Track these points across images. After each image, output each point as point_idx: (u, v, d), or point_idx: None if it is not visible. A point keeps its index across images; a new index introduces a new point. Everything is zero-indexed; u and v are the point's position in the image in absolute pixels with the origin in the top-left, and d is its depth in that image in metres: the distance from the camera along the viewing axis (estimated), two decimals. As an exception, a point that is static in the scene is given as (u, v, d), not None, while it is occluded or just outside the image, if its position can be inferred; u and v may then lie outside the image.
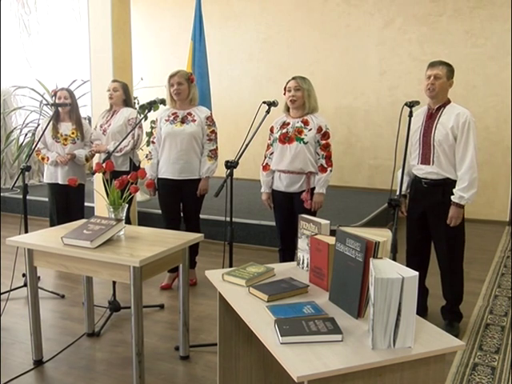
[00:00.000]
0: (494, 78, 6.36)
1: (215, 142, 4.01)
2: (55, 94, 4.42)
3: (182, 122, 3.92)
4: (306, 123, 3.55)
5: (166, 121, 3.95)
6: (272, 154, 3.69)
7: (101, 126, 4.47)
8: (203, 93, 5.65)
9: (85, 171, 4.60)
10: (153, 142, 4.09)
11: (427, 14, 6.63)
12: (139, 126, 4.26)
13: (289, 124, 3.59)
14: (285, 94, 3.58)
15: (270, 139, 3.71)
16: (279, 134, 3.60)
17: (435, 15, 6.60)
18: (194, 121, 3.92)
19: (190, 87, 3.93)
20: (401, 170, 3.13)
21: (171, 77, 3.88)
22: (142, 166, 4.48)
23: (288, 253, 3.76)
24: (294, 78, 3.56)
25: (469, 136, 3.14)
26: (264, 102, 3.30)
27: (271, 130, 3.70)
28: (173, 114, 3.96)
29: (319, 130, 3.54)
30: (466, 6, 6.43)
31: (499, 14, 6.25)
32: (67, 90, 4.47)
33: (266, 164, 3.73)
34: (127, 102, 4.47)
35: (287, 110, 3.64)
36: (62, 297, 3.99)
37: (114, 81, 4.53)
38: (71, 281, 4.31)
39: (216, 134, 4.02)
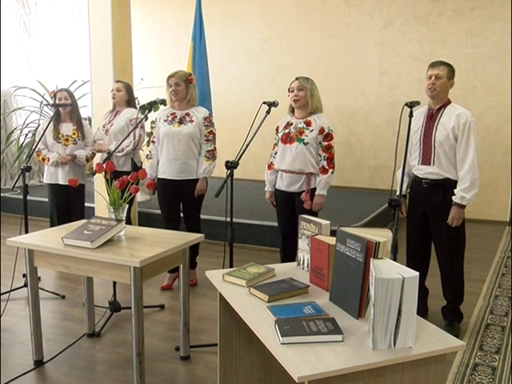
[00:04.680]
0: (494, 79, 6.36)
1: (213, 143, 4.01)
2: (55, 95, 4.42)
3: (180, 122, 3.92)
4: (308, 124, 3.56)
5: (165, 121, 3.96)
6: (277, 153, 3.71)
7: (103, 126, 4.48)
8: (203, 93, 5.65)
9: (85, 172, 4.60)
10: (153, 142, 4.10)
11: (427, 15, 6.64)
12: (141, 126, 4.26)
13: (292, 124, 3.61)
14: (289, 95, 3.60)
15: (275, 139, 3.74)
16: (282, 133, 3.63)
17: (435, 15, 6.60)
18: (191, 121, 3.93)
19: (188, 88, 3.94)
20: (400, 170, 3.13)
21: (169, 78, 3.90)
22: (143, 166, 4.49)
23: (288, 253, 3.76)
24: (297, 79, 3.59)
25: (470, 137, 3.15)
26: (264, 103, 3.30)
27: (277, 130, 3.73)
28: (171, 115, 3.96)
29: (321, 131, 3.54)
30: (466, 7, 6.43)
31: (499, 15, 6.25)
32: (66, 91, 4.46)
33: (271, 163, 3.76)
34: (130, 102, 4.48)
35: (292, 111, 3.66)
36: (63, 297, 3.99)
37: (118, 81, 4.54)
38: (71, 281, 4.32)
39: (214, 134, 4.02)
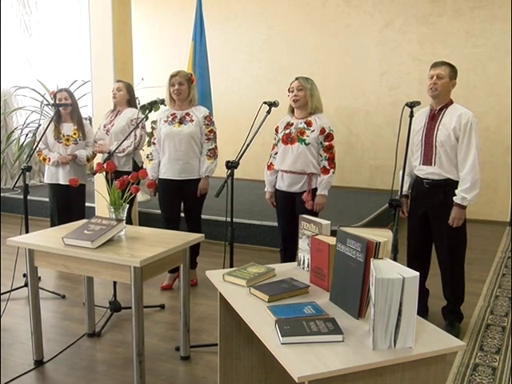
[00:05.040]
0: (495, 79, 6.36)
1: (214, 142, 4.01)
2: (55, 96, 4.42)
3: (180, 122, 3.92)
4: (309, 124, 3.55)
5: (165, 122, 3.97)
6: (276, 153, 3.70)
7: (104, 126, 4.48)
8: (204, 93, 5.66)
9: (86, 172, 4.60)
10: (153, 143, 4.10)
11: (427, 15, 6.64)
12: (142, 126, 4.26)
13: (292, 125, 3.61)
14: (289, 95, 3.60)
15: (275, 139, 3.73)
16: (282, 134, 3.63)
17: (435, 15, 6.60)
18: (191, 121, 3.93)
19: (191, 88, 3.94)
20: (402, 170, 3.13)
21: (172, 76, 3.90)
22: (144, 166, 4.48)
23: (289, 253, 3.76)
24: (297, 79, 3.59)
25: (471, 137, 3.14)
26: (265, 103, 3.30)
27: (276, 130, 3.73)
28: (171, 115, 3.97)
29: (322, 131, 3.54)
30: (466, 7, 6.43)
31: (499, 15, 6.25)
32: (66, 91, 4.47)
33: (271, 163, 3.75)
34: (131, 102, 4.47)
35: (292, 111, 3.66)
36: (63, 297, 3.99)
37: (118, 81, 4.54)
38: (72, 281, 4.32)
39: (215, 133, 4.03)
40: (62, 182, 4.40)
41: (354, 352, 1.54)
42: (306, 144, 3.52)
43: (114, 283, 3.62)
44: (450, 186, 3.21)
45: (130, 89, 4.49)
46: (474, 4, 6.39)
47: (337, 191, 6.22)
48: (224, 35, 7.80)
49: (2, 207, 6.51)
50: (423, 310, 3.46)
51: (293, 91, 3.55)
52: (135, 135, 4.26)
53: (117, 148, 3.96)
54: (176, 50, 7.87)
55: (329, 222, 2.22)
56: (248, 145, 3.05)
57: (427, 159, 3.27)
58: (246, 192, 6.68)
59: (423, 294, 3.47)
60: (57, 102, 4.37)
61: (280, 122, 3.72)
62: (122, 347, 3.19)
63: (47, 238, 2.85)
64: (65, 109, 4.38)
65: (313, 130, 3.54)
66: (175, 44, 8.00)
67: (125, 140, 3.98)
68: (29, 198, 3.87)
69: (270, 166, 3.77)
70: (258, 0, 7.61)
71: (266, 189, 3.80)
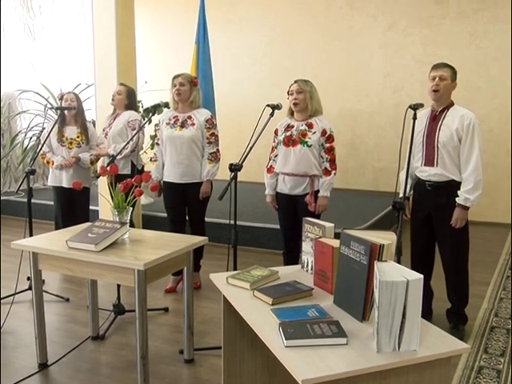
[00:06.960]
0: (498, 80, 6.34)
1: (215, 145, 4.01)
2: (62, 98, 4.44)
3: (182, 126, 3.93)
4: (310, 126, 3.55)
5: (167, 124, 3.98)
6: (276, 156, 3.69)
7: (103, 130, 4.51)
8: (207, 96, 5.66)
9: (90, 175, 4.61)
10: (157, 144, 4.11)
11: (431, 17, 6.63)
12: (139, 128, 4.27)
13: (293, 127, 3.60)
14: (288, 98, 3.59)
15: (274, 142, 3.72)
16: (283, 136, 3.60)
17: (438, 17, 6.59)
18: (193, 124, 3.93)
19: (192, 89, 3.94)
20: (404, 172, 3.12)
21: (174, 78, 3.92)
22: (146, 168, 4.49)
23: (292, 256, 3.75)
24: (296, 82, 3.58)
25: (474, 138, 3.14)
26: (268, 105, 3.29)
27: (275, 133, 3.71)
28: (174, 118, 3.97)
29: (323, 133, 3.54)
30: (470, 9, 6.42)
31: (502, 16, 6.25)
32: (73, 93, 4.51)
33: (271, 166, 3.74)
34: (130, 106, 4.47)
35: (291, 113, 3.65)
36: (67, 300, 4.00)
37: (121, 84, 4.55)
38: (76, 284, 4.32)
39: (216, 136, 4.02)
40: (65, 185, 4.41)
41: (358, 355, 1.54)
42: (309, 146, 3.52)
43: (118, 286, 3.62)
44: (452, 187, 3.20)
45: (130, 94, 4.49)
46: (477, 6, 6.38)
47: (340, 193, 6.20)
48: (227, 38, 7.80)
49: (7, 210, 6.53)
50: (427, 313, 3.45)
51: (292, 94, 3.54)
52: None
53: (119, 152, 3.96)
54: (179, 52, 7.88)
55: (332, 225, 2.22)
56: (251, 147, 3.05)
57: (429, 160, 3.27)
58: (249, 194, 6.67)
59: (427, 296, 3.46)
60: (63, 103, 4.39)
61: (279, 125, 3.70)
62: (126, 350, 3.19)
63: (51, 241, 2.86)
64: (69, 111, 4.39)
65: (314, 132, 3.53)
66: (178, 47, 8.00)
67: (127, 143, 3.99)
68: (33, 201, 3.88)
69: (269, 169, 3.75)
70: (260, 3, 7.62)
71: (266, 192, 3.76)
